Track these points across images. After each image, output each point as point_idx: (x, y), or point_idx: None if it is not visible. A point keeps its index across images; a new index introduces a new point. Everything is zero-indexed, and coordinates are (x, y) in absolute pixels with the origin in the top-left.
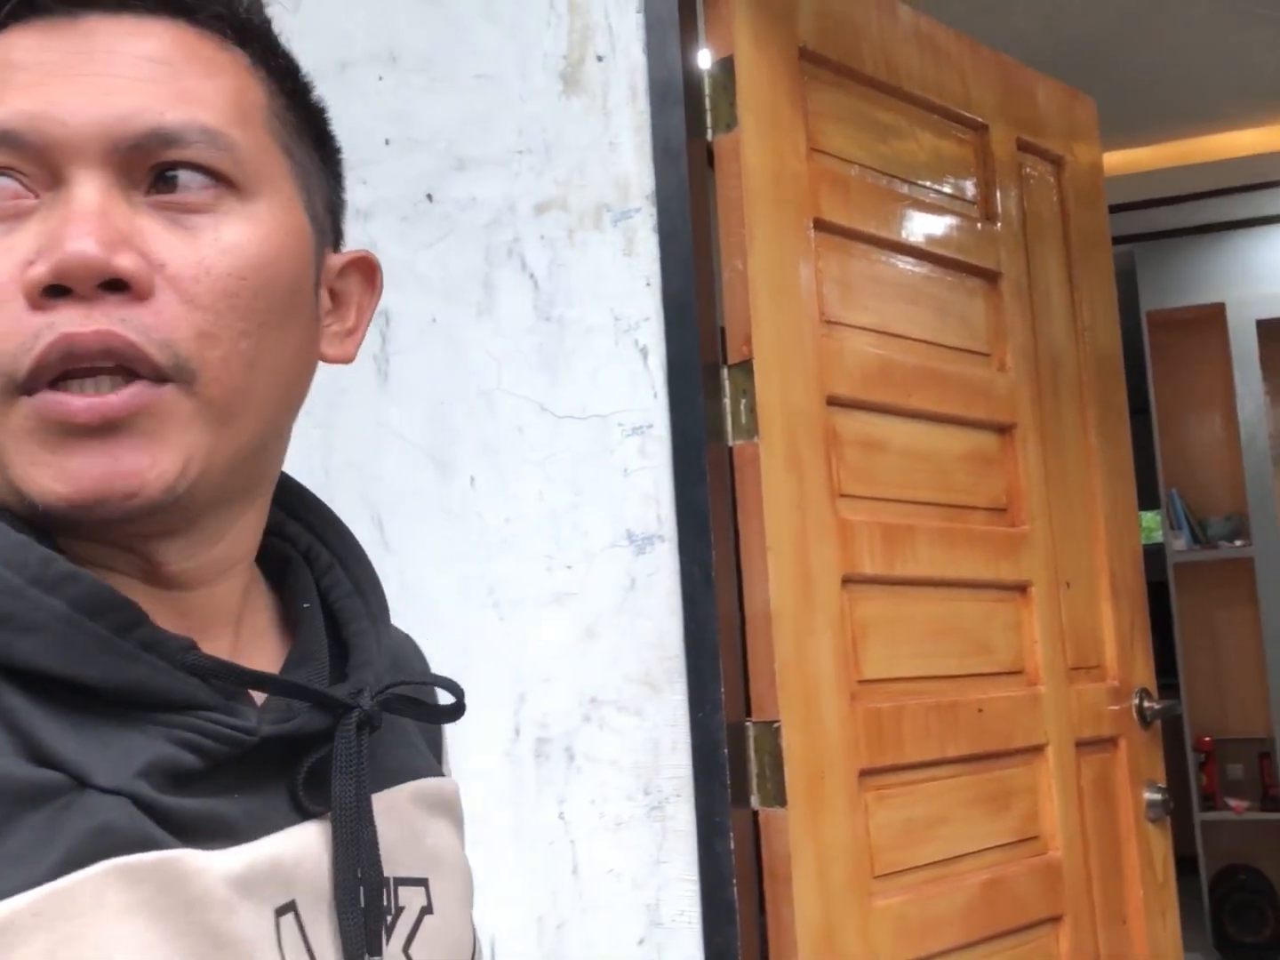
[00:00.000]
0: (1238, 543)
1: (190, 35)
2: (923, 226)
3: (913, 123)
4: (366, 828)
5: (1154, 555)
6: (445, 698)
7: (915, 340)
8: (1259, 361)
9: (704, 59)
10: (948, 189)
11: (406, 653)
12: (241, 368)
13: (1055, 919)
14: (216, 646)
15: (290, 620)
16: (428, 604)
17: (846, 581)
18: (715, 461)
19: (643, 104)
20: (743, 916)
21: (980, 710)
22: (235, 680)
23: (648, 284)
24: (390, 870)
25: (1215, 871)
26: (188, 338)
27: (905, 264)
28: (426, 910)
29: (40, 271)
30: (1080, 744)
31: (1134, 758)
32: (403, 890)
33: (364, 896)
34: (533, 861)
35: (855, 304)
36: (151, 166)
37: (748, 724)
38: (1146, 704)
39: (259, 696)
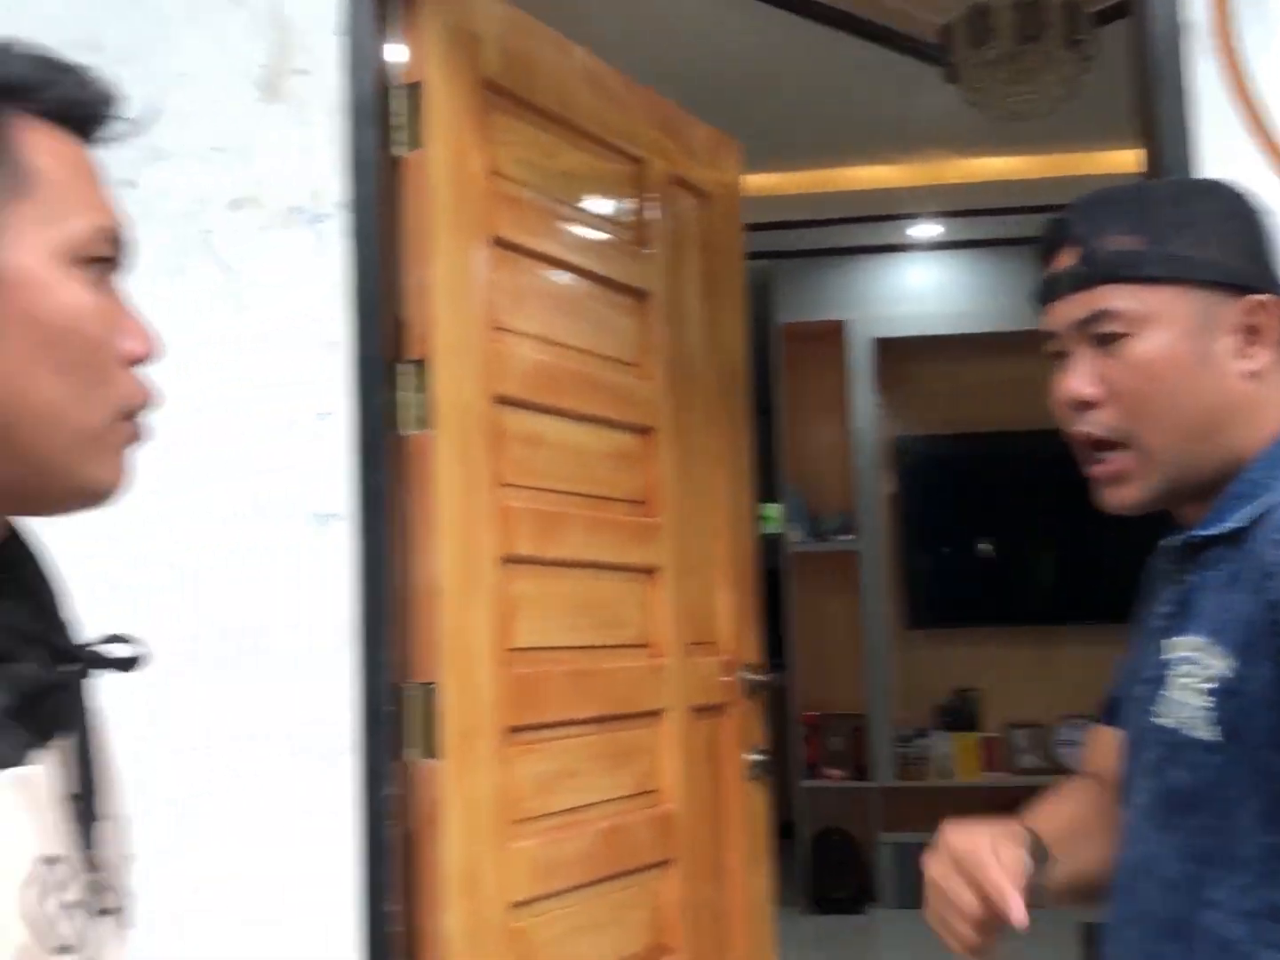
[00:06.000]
0: (846, 537)
1: None
2: (585, 247)
3: (581, 152)
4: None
5: (773, 545)
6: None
7: (573, 348)
8: (873, 375)
9: (398, 83)
10: (609, 215)
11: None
12: None
13: (667, 863)
14: None
15: None
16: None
17: (505, 561)
18: (392, 449)
19: (339, 119)
20: (396, 854)
21: (611, 677)
22: None
23: (336, 284)
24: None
25: (813, 835)
26: None
27: (568, 280)
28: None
29: None
30: (695, 710)
31: (740, 724)
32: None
33: None
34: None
35: (523, 313)
36: None
37: (409, 685)
38: (752, 677)
39: None
